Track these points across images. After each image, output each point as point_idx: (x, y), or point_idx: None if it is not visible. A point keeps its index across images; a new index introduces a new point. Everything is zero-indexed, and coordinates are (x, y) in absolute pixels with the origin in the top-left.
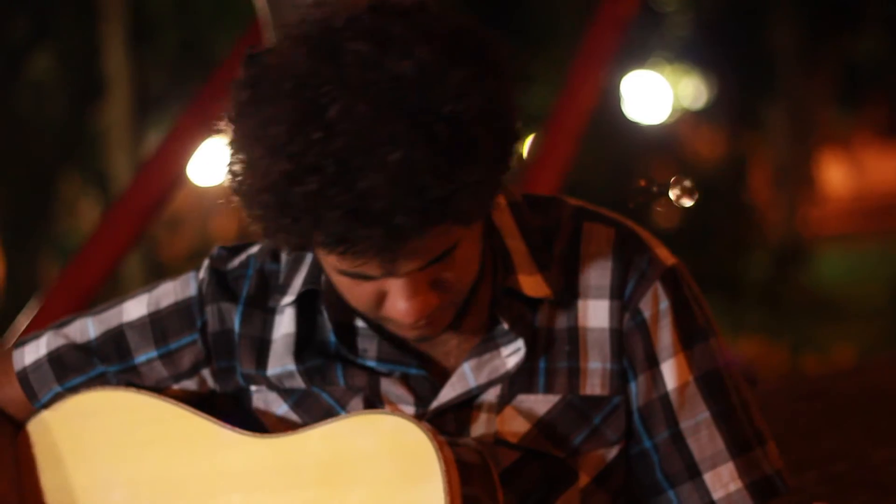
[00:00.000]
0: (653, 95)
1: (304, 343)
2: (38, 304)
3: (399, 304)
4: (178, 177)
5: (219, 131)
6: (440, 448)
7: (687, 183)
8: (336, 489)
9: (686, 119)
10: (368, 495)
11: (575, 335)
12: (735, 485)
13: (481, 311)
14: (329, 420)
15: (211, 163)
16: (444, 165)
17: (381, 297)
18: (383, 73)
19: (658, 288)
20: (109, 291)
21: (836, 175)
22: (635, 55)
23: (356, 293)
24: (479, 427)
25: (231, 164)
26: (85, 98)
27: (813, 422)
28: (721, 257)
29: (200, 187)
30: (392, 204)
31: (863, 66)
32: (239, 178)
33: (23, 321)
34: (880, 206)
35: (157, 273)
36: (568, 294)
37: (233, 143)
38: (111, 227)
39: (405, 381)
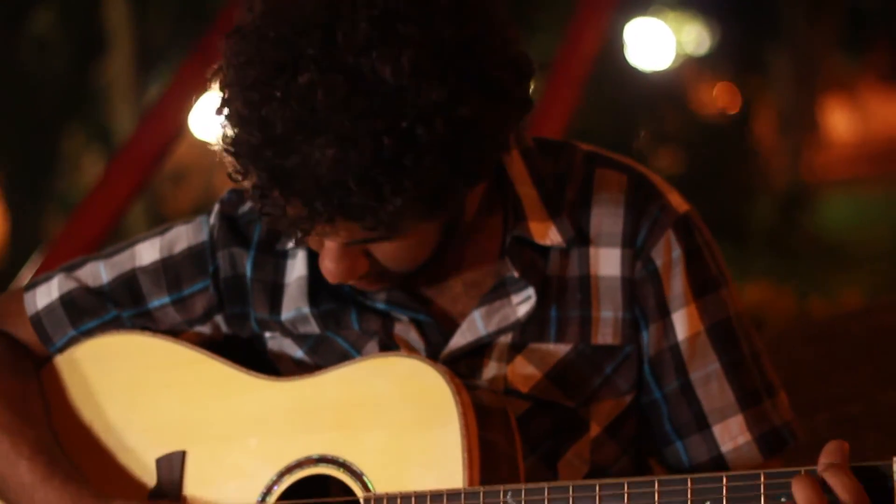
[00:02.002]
0: (655, 42)
1: (317, 286)
2: (41, 257)
3: (325, 262)
4: (180, 127)
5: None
6: (458, 391)
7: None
8: (353, 432)
9: (689, 65)
10: (385, 438)
11: (587, 283)
12: (743, 437)
13: (490, 257)
14: (345, 363)
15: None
16: (374, 179)
17: (319, 246)
18: (364, 67)
19: (671, 236)
20: (111, 245)
21: (840, 120)
22: (638, 2)
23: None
24: (490, 375)
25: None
26: (87, 53)
27: (823, 364)
28: (726, 203)
29: (204, 141)
30: (313, 189)
31: (867, 10)
32: (214, 119)
33: (26, 274)
34: (885, 151)
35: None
36: (579, 242)
37: (217, 80)
38: (114, 178)
39: (417, 326)
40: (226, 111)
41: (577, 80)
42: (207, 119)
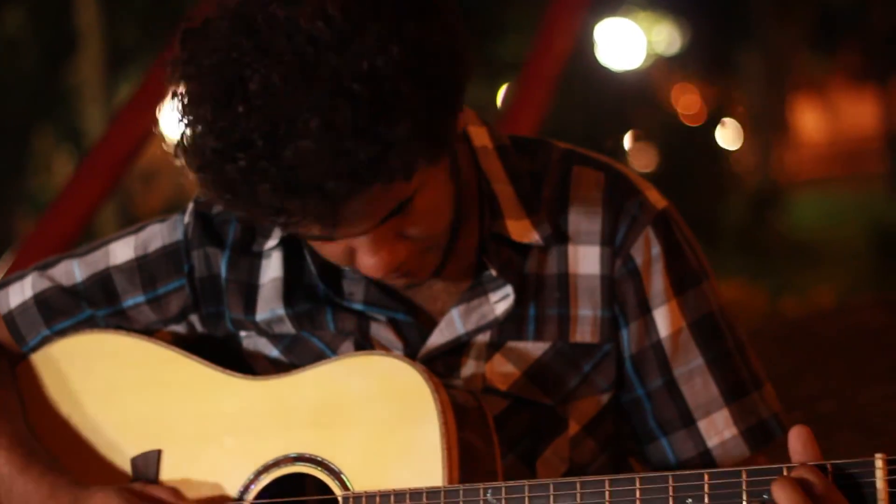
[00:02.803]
0: (626, 42)
1: (293, 287)
2: (12, 257)
3: (366, 259)
4: (151, 128)
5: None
6: (436, 389)
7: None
8: (331, 430)
9: (660, 65)
10: (363, 436)
11: (565, 281)
12: (729, 431)
13: (468, 255)
14: (323, 362)
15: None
16: (367, 125)
17: (351, 253)
18: (298, 38)
19: (650, 233)
20: (83, 244)
21: (810, 120)
22: (609, 2)
23: (327, 251)
24: (468, 373)
25: (174, 144)
26: (57, 53)
27: (796, 362)
28: (698, 202)
29: (174, 140)
30: (320, 171)
31: (836, 10)
32: (181, 158)
33: None
34: (855, 151)
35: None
36: (557, 239)
37: (173, 123)
38: (85, 178)
39: (394, 325)
40: (201, 160)
41: (550, 80)
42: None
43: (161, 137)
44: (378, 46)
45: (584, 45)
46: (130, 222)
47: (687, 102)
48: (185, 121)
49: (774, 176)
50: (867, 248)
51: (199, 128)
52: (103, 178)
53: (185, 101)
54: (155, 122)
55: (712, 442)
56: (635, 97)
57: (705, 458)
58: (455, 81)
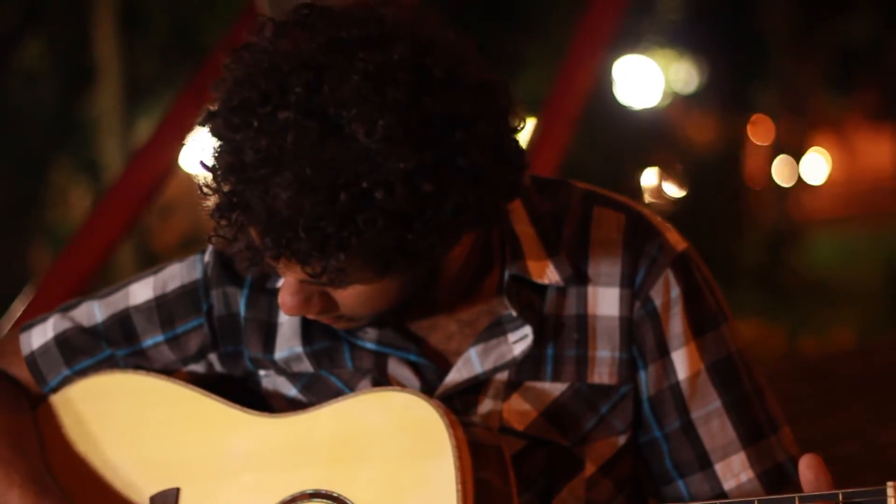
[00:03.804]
0: (644, 80)
1: (311, 324)
2: (31, 294)
3: (282, 293)
4: (171, 165)
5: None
6: (451, 425)
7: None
8: (347, 466)
9: (678, 103)
10: (379, 471)
11: (584, 323)
12: (746, 475)
13: (488, 295)
14: (339, 398)
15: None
16: (322, 229)
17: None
18: (341, 120)
19: (669, 275)
20: (101, 280)
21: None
22: (627, 40)
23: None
24: (484, 412)
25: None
26: (75, 86)
27: (817, 402)
28: (715, 241)
29: (193, 175)
30: (266, 224)
31: (854, 49)
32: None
33: (17, 309)
34: (871, 190)
35: (149, 261)
36: (577, 280)
37: (214, 90)
38: (104, 216)
39: (410, 363)
40: (209, 125)
41: (571, 119)
42: (197, 150)
43: (181, 173)
44: (389, 181)
45: (603, 83)
46: (147, 257)
47: (705, 140)
48: (218, 97)
49: (791, 214)
50: (885, 287)
51: (222, 108)
52: (122, 216)
53: (223, 88)
54: (175, 159)
55: (729, 485)
56: (653, 135)
57: None
58: (440, 242)
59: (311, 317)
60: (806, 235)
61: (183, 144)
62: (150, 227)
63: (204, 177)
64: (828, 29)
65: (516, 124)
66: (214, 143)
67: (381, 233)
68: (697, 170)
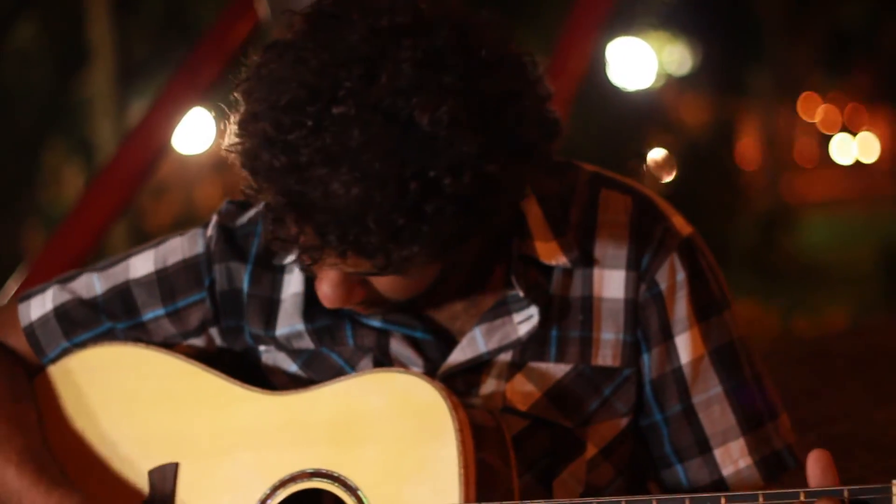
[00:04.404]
0: (637, 62)
1: (313, 302)
2: (24, 273)
3: (323, 287)
4: (164, 146)
5: (207, 97)
6: (454, 408)
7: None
8: (348, 447)
9: (671, 85)
10: (381, 453)
11: (589, 304)
12: (744, 461)
13: (493, 276)
14: (340, 378)
15: (196, 131)
16: (394, 222)
17: (317, 269)
18: (401, 110)
19: (675, 259)
20: (95, 260)
21: None
22: (620, 21)
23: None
24: (487, 392)
25: (232, 115)
26: (69, 67)
27: (810, 383)
28: (708, 222)
29: (185, 156)
30: (330, 222)
31: (848, 31)
32: (234, 128)
33: (10, 288)
34: (865, 171)
35: (142, 241)
36: (583, 262)
37: (243, 90)
38: (97, 197)
39: (413, 342)
40: (251, 126)
41: (566, 101)
42: (189, 135)
43: (172, 151)
44: (456, 167)
45: (596, 65)
46: (140, 237)
47: (697, 123)
48: (257, 95)
49: (784, 196)
50: (878, 268)
51: (264, 108)
52: (116, 196)
53: (267, 77)
54: (169, 139)
55: (727, 470)
56: (646, 117)
57: (719, 486)
58: (496, 221)
59: (346, 307)
60: (799, 217)
61: (176, 125)
62: (143, 207)
63: (248, 179)
64: (821, 11)
65: (549, 93)
66: (257, 144)
67: (449, 219)
68: (690, 151)
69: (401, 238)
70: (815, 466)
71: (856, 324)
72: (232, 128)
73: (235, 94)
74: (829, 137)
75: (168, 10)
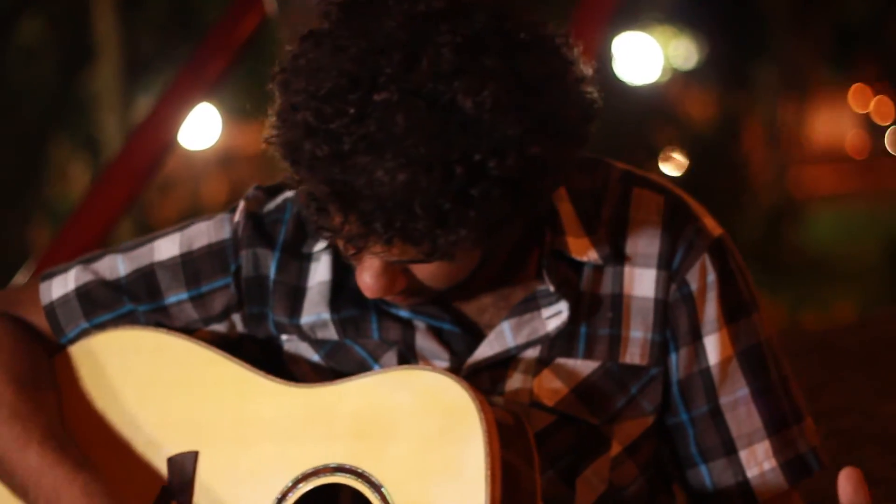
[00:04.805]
0: (643, 56)
1: (340, 291)
2: (31, 270)
3: (364, 277)
4: (170, 142)
5: (213, 93)
6: (482, 408)
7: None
8: (373, 443)
9: (678, 79)
10: (406, 451)
11: (619, 302)
12: (769, 463)
13: (523, 270)
14: (367, 373)
15: (202, 127)
16: (440, 207)
17: (358, 259)
18: (444, 94)
19: (706, 260)
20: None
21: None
22: (626, 16)
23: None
24: (514, 387)
25: (274, 100)
26: (75, 62)
27: (817, 376)
28: (715, 216)
29: (191, 152)
30: (375, 210)
31: (853, 25)
32: (272, 120)
33: (17, 284)
34: (871, 165)
35: None
36: (614, 260)
37: (280, 81)
38: (103, 193)
39: (439, 335)
40: (291, 117)
41: None
42: (196, 131)
43: (178, 146)
44: (500, 149)
45: (602, 59)
46: (146, 233)
47: (703, 117)
48: (297, 83)
49: (790, 190)
50: (885, 262)
51: (306, 97)
52: (122, 192)
53: (308, 66)
54: (175, 135)
55: (752, 472)
56: (652, 111)
57: (743, 488)
58: (541, 204)
59: (387, 298)
60: (805, 210)
61: (182, 121)
62: (149, 202)
63: (291, 169)
64: (826, 5)
65: (586, 74)
66: (299, 135)
67: (495, 202)
68: (697, 146)
69: (447, 223)
70: (847, 483)
71: (863, 317)
72: (270, 120)
73: (271, 87)
74: (883, 129)
75: (174, 6)
